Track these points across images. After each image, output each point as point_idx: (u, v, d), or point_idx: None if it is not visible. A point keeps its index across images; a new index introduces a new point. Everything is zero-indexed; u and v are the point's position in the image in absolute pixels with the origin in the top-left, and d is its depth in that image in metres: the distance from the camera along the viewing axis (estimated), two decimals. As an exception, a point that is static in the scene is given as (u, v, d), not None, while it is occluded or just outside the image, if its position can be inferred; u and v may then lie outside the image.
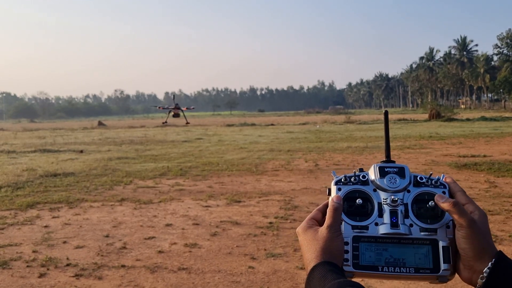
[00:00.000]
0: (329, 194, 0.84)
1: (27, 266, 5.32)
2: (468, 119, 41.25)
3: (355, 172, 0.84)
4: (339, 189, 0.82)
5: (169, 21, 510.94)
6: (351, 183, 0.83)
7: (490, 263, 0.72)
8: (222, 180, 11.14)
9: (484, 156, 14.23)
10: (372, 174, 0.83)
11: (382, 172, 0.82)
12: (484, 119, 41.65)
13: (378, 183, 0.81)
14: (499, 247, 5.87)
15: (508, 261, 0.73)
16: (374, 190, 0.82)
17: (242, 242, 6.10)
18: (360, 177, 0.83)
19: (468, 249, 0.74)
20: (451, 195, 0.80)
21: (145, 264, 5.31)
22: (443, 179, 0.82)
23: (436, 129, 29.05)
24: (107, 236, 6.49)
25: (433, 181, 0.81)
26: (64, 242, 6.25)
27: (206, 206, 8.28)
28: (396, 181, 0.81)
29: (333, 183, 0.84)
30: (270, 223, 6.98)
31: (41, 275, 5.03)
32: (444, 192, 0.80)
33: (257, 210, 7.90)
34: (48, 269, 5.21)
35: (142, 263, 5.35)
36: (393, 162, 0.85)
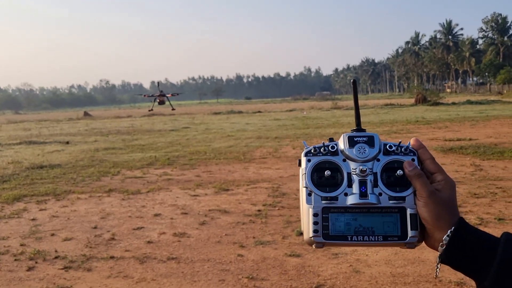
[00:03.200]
0: (300, 165, 0.83)
1: (15, 260, 5.29)
2: (454, 103, 41.54)
3: (323, 142, 0.83)
4: (308, 160, 0.81)
5: (156, 11, 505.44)
6: (320, 154, 0.82)
7: (449, 231, 0.74)
8: (210, 169, 11.13)
9: (470, 139, 14.38)
10: (342, 143, 0.82)
11: (351, 142, 0.81)
12: (469, 102, 41.96)
13: (347, 153, 0.80)
14: (484, 230, 5.93)
15: (468, 228, 0.75)
16: (344, 160, 0.81)
17: (230, 230, 6.12)
18: (329, 148, 0.82)
19: (427, 218, 0.76)
20: (420, 163, 0.80)
21: (134, 255, 5.31)
22: (411, 143, 0.82)
23: (423, 114, 29.26)
24: (95, 228, 6.46)
25: (402, 149, 0.81)
26: (52, 235, 6.21)
27: (194, 195, 8.27)
28: (365, 150, 0.80)
29: (303, 154, 0.83)
30: (259, 210, 7.00)
31: (29, 268, 5.01)
32: (413, 160, 0.80)
33: (245, 198, 7.92)
34: (36, 262, 5.19)
35: (131, 254, 5.35)
36: (364, 130, 0.84)
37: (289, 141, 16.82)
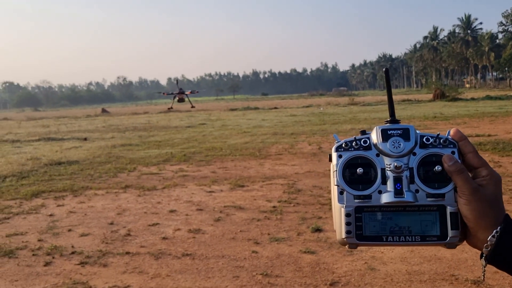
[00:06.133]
0: (330, 160, 0.78)
1: (33, 255, 5.36)
2: (473, 99, 40.92)
3: (355, 136, 0.78)
4: (339, 156, 0.76)
5: (172, 10, 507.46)
6: (352, 149, 0.77)
7: (494, 231, 0.69)
8: (225, 165, 11.15)
9: (489, 135, 14.15)
10: (375, 137, 0.77)
11: (385, 135, 0.76)
12: (489, 98, 41.28)
13: (380, 147, 0.75)
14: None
15: None
16: (377, 155, 0.75)
17: (245, 226, 6.12)
18: (361, 142, 0.77)
19: (470, 216, 0.71)
20: (462, 156, 0.74)
21: (149, 251, 5.34)
22: (450, 135, 0.76)
23: (441, 109, 28.88)
24: (111, 224, 6.52)
25: (441, 140, 0.75)
26: (69, 230, 6.28)
27: (209, 192, 8.29)
28: (400, 145, 0.75)
29: (333, 149, 0.78)
30: (274, 207, 6.99)
31: (46, 264, 5.07)
32: (453, 152, 0.74)
33: (261, 194, 7.91)
34: (53, 258, 5.25)
35: (146, 250, 5.38)
36: (398, 122, 0.78)
37: (305, 137, 16.75)
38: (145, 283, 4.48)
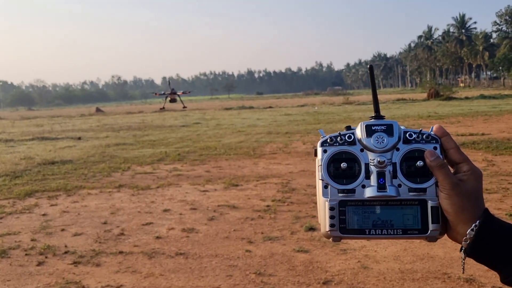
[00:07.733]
0: (316, 155, 0.80)
1: (26, 255, 5.34)
2: (467, 98, 41.08)
3: (340, 132, 0.80)
4: (324, 151, 0.78)
5: (167, 7, 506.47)
6: (337, 144, 0.78)
7: (473, 225, 0.71)
8: (219, 164, 11.14)
9: (482, 134, 14.22)
10: (359, 132, 0.78)
11: (369, 131, 0.77)
12: (483, 97, 41.48)
13: (364, 142, 0.77)
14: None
15: (493, 220, 0.72)
16: (361, 150, 0.77)
17: (239, 226, 6.12)
18: (346, 137, 0.79)
19: (450, 210, 0.72)
20: (444, 152, 0.76)
21: (143, 250, 5.33)
22: (433, 131, 0.78)
23: (435, 108, 28.98)
24: (105, 223, 6.50)
25: (424, 136, 0.77)
26: (62, 230, 6.26)
27: (203, 191, 8.29)
28: (384, 140, 0.76)
29: (318, 144, 0.80)
30: (268, 206, 6.99)
31: (39, 263, 5.05)
32: (435, 148, 0.75)
33: (255, 193, 7.91)
34: (46, 257, 5.23)
35: (139, 249, 5.37)
36: (383, 117, 0.80)
37: (300, 136, 16.77)
38: (138, 282, 4.48)
